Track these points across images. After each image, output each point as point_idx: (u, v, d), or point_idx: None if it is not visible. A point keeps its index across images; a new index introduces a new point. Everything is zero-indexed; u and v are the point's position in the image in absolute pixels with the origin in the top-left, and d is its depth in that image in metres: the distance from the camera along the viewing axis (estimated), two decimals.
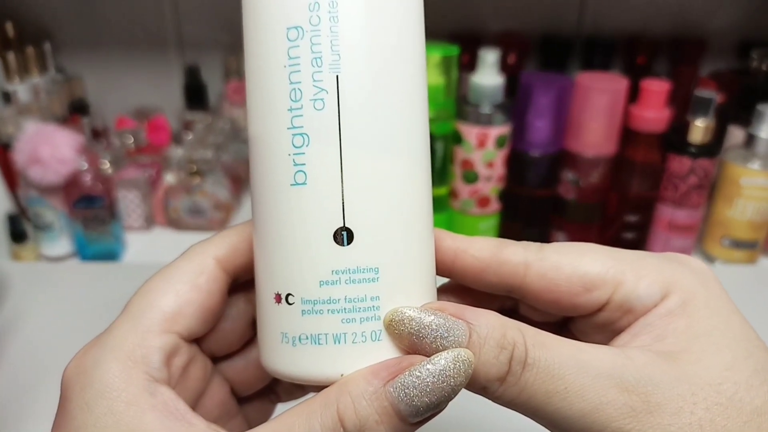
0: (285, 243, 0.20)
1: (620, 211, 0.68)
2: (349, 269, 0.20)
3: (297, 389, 0.28)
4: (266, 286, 0.21)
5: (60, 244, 0.69)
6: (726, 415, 0.19)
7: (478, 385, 0.20)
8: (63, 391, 0.21)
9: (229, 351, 0.25)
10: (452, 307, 0.21)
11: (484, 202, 0.66)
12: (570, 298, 0.23)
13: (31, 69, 0.77)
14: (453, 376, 0.19)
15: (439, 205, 0.67)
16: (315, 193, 0.20)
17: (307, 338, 0.20)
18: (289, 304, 0.20)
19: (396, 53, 0.20)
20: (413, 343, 0.20)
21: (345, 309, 0.20)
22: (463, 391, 0.20)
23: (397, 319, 0.20)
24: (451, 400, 0.19)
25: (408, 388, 0.19)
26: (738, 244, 0.69)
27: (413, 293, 0.21)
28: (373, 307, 0.20)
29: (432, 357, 0.19)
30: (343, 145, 0.19)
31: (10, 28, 0.77)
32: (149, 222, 0.76)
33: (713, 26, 0.86)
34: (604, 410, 0.19)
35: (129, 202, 0.74)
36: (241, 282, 0.25)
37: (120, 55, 0.88)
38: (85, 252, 0.68)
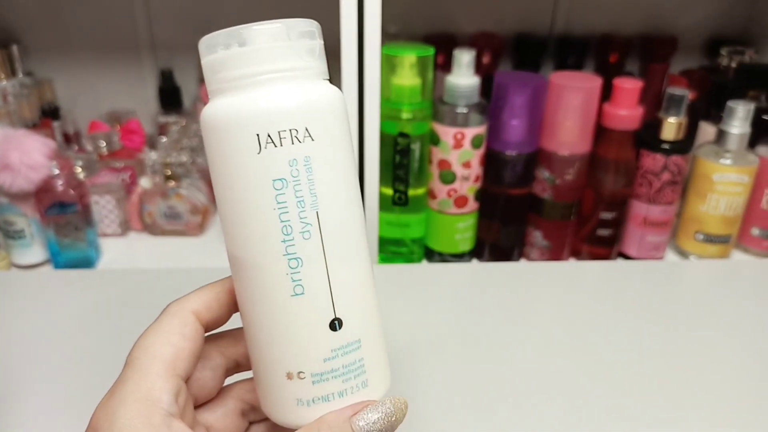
0: (291, 336, 0.27)
1: (596, 209, 0.69)
2: (342, 346, 0.27)
3: None
4: (276, 367, 0.27)
5: (32, 252, 0.67)
6: None
7: None
8: (93, 429, 0.25)
9: (208, 398, 0.30)
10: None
11: (461, 201, 0.67)
12: None
13: None
14: (395, 413, 0.27)
15: (417, 205, 0.67)
16: (312, 299, 0.26)
17: (319, 399, 0.27)
18: (301, 379, 0.27)
19: (347, 183, 0.27)
20: None
21: (343, 373, 0.27)
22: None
23: None
24: (395, 429, 0.27)
25: (365, 421, 0.27)
26: (711, 238, 0.70)
27: (381, 345, 0.29)
28: (361, 366, 0.28)
29: (381, 400, 0.27)
30: (328, 262, 0.26)
31: None
32: (124, 227, 0.75)
33: (683, 24, 0.87)
34: None
35: (102, 208, 0.72)
36: (211, 334, 0.30)
37: (91, 58, 0.86)
38: (59, 259, 0.67)
